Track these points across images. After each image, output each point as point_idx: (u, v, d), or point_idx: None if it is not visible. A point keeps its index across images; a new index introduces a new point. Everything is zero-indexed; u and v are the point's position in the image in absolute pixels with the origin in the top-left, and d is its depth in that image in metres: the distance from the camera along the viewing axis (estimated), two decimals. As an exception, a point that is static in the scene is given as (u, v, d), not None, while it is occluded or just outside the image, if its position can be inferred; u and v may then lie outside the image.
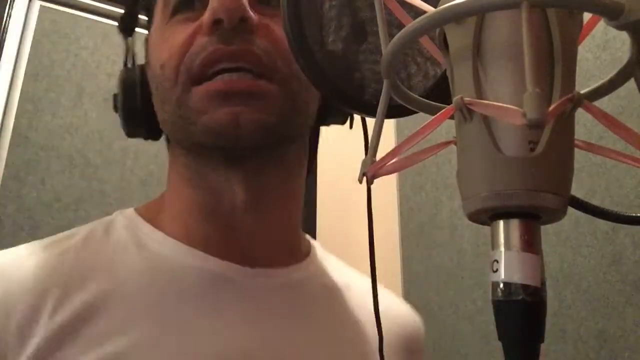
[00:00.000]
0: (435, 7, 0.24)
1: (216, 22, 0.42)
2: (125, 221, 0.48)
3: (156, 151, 1.48)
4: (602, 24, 0.25)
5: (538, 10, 0.24)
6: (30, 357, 0.38)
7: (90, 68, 1.45)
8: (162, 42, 0.46)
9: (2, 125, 1.33)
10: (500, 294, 0.23)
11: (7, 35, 1.35)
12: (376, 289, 0.40)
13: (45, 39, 1.41)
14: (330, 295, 0.51)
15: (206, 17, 0.42)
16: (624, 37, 0.25)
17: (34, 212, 1.33)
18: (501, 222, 0.23)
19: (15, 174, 1.33)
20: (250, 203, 0.46)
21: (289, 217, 0.50)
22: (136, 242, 0.46)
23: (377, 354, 0.40)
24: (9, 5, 1.36)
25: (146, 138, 0.51)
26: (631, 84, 0.26)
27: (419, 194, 1.42)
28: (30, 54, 1.39)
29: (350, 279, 0.55)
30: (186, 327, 0.42)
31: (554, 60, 0.24)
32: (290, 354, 0.44)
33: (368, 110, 0.36)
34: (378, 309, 0.40)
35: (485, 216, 0.24)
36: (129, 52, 0.52)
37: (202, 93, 0.42)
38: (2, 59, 1.33)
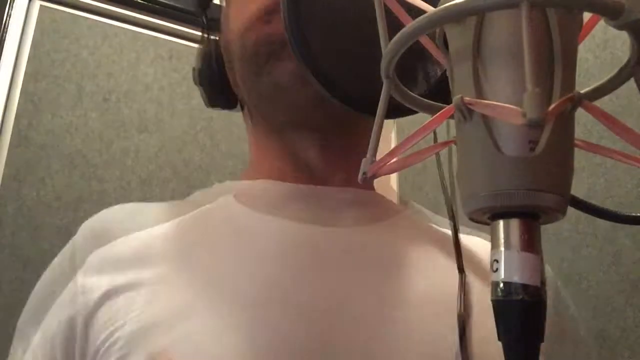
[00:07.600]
0: (435, 7, 0.24)
1: None
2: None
3: (156, 151, 1.48)
4: (602, 24, 0.25)
5: (538, 10, 0.23)
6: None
7: (90, 68, 1.45)
8: (239, 9, 0.47)
9: (2, 125, 1.33)
10: (500, 293, 0.23)
11: (7, 35, 1.35)
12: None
13: (45, 39, 1.41)
14: (416, 242, 0.50)
15: None
16: (624, 37, 0.25)
17: (34, 212, 1.33)
18: (501, 222, 0.23)
19: (15, 174, 1.33)
20: (322, 159, 0.48)
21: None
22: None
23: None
24: (9, 5, 1.36)
25: (224, 107, 0.55)
26: (631, 84, 0.26)
27: (419, 194, 1.41)
28: (30, 54, 1.39)
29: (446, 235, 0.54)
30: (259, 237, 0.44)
31: (554, 60, 0.24)
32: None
33: (368, 109, 0.36)
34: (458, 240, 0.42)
35: (485, 216, 0.24)
36: (204, 27, 0.55)
37: (285, 73, 0.43)
38: (2, 59, 1.33)
